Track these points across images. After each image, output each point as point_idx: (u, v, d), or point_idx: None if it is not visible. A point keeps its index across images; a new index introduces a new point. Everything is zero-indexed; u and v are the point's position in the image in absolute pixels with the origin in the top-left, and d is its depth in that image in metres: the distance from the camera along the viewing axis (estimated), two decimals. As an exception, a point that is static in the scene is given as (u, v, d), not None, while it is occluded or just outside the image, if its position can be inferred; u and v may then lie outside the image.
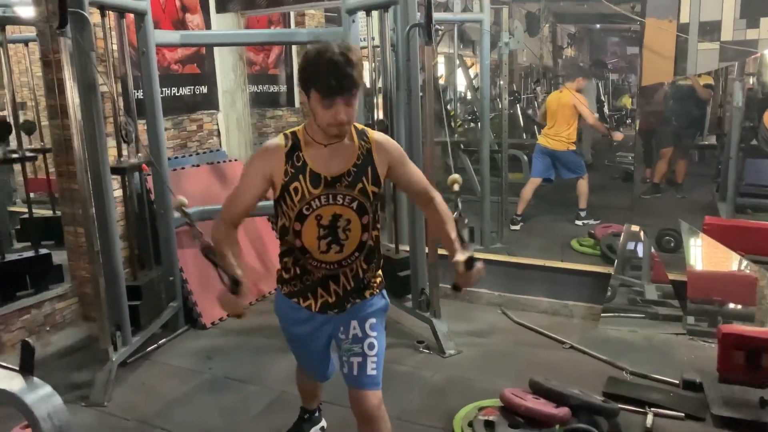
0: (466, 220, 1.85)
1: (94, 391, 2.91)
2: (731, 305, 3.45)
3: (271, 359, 3.27)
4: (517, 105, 7.49)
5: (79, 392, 2.97)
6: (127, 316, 3.18)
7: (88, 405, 2.87)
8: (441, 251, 3.77)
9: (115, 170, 3.23)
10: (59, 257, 3.80)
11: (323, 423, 2.57)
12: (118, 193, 3.43)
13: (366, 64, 4.12)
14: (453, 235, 1.80)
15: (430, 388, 2.99)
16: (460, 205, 1.90)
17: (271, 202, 1.90)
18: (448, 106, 5.75)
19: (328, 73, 1.64)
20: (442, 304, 3.54)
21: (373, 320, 1.96)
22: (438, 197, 1.92)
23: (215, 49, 4.57)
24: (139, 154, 3.42)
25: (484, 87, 5.05)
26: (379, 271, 2.03)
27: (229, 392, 3.00)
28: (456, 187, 1.94)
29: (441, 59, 7.27)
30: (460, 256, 1.71)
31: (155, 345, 3.47)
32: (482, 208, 4.91)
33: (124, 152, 3.34)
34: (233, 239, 1.85)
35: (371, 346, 1.93)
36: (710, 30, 3.68)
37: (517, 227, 5.45)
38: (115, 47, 3.40)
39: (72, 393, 2.96)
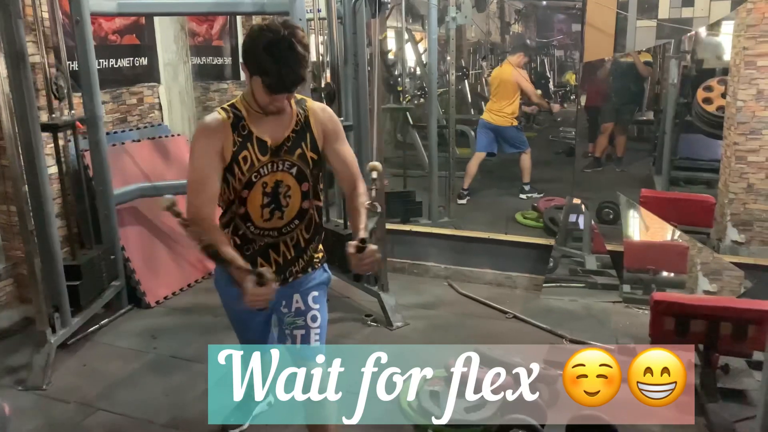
0: (379, 209, 1.84)
1: (32, 374, 2.83)
2: (664, 273, 3.62)
3: (217, 337, 3.24)
4: (465, 81, 7.55)
5: (17, 376, 2.88)
6: (66, 297, 3.08)
7: (25, 389, 2.79)
8: (389, 226, 3.80)
9: (46, 127, 3.05)
10: (-9, 237, 3.63)
11: (270, 398, 2.58)
12: (53, 170, 3.29)
13: (312, 38, 4.05)
14: (361, 226, 1.80)
15: (378, 361, 3.03)
16: (374, 193, 1.90)
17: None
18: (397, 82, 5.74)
19: (276, 70, 1.64)
20: (390, 278, 3.58)
21: (315, 293, 1.98)
22: (362, 189, 1.90)
23: (156, 19, 4.39)
24: (73, 111, 3.26)
25: (432, 62, 5.05)
26: (321, 246, 2.03)
27: (175, 372, 2.96)
28: (374, 175, 1.91)
29: (391, 34, 7.22)
30: (353, 241, 1.72)
31: (97, 326, 3.38)
32: (430, 182, 4.95)
33: (56, 112, 3.16)
34: (218, 233, 1.77)
35: (314, 318, 1.95)
36: (648, 8, 3.78)
37: (464, 201, 5.53)
38: (45, 15, 3.23)
39: (8, 377, 2.88)
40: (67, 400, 2.71)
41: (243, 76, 5.53)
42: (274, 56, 1.63)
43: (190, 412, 2.62)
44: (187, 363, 3.03)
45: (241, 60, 1.74)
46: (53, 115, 3.13)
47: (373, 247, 1.72)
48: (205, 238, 1.71)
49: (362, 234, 1.74)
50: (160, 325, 3.47)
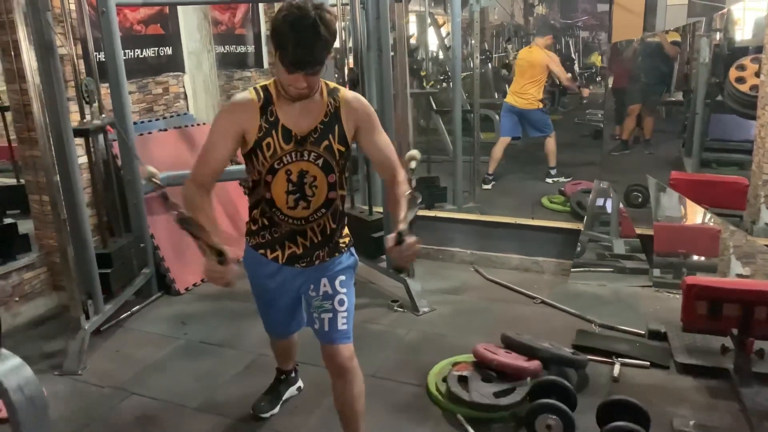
0: (419, 200, 1.80)
1: (68, 359, 2.89)
2: (695, 257, 3.56)
3: (246, 323, 3.28)
4: (489, 64, 7.45)
5: (53, 361, 2.95)
6: (98, 284, 3.14)
7: (62, 374, 2.85)
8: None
9: (78, 132, 3.12)
10: (25, 226, 3.71)
11: (300, 383, 2.61)
12: (83, 159, 3.35)
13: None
14: (401, 217, 1.74)
15: (405, 346, 3.04)
16: (414, 183, 1.89)
17: (241, 167, 1.87)
18: (420, 68, 5.69)
19: (294, 48, 1.61)
20: (416, 264, 3.57)
21: (342, 277, 1.98)
22: (401, 177, 1.87)
23: (179, 8, 4.42)
24: (103, 116, 3.32)
25: (456, 46, 4.99)
26: (347, 231, 2.03)
27: (204, 357, 3.01)
28: (413, 165, 1.89)
29: (412, 18, 7.16)
30: (391, 235, 1.69)
31: (129, 312, 3.44)
32: (454, 168, 4.92)
33: (87, 115, 3.23)
34: (206, 203, 1.79)
35: (341, 302, 1.95)
36: (679, -15, 3.68)
37: (489, 186, 5.49)
38: (72, 7, 3.27)
39: (45, 362, 2.94)
40: (102, 385, 2.77)
41: (266, 63, 5.55)
42: (294, 33, 1.60)
43: (220, 395, 2.66)
44: (216, 348, 3.08)
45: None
46: (84, 121, 3.20)
47: (411, 239, 1.68)
48: (182, 212, 1.71)
49: (401, 226, 1.70)
50: (190, 311, 3.53)
